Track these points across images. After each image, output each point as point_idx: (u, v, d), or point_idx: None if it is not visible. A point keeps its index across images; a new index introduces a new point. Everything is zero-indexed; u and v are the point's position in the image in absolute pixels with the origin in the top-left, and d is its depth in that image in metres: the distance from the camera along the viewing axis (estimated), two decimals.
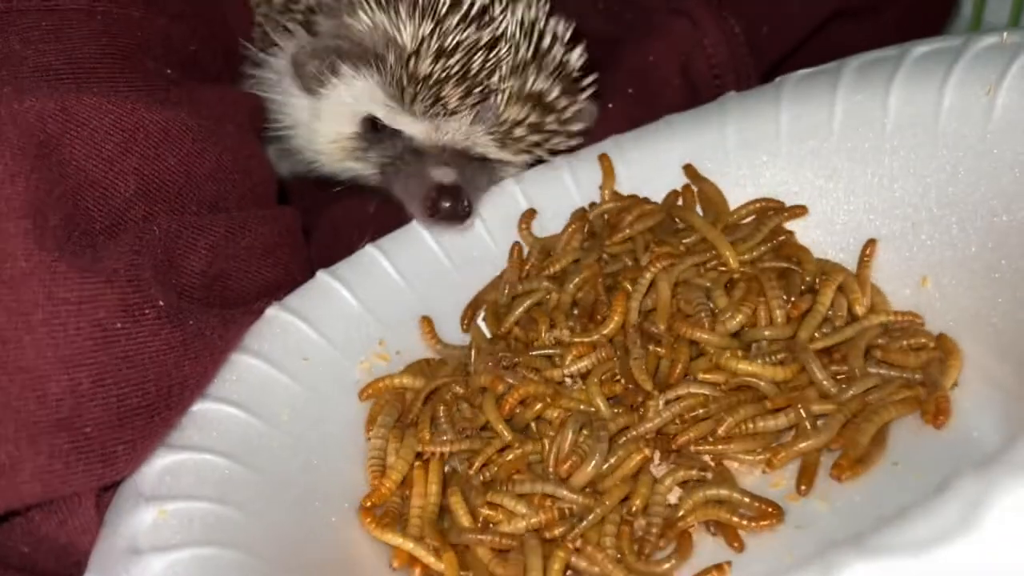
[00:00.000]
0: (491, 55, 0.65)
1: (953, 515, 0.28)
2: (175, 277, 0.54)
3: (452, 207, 0.65)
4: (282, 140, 0.76)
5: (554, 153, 0.73)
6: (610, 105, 0.78)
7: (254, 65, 0.75)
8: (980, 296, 0.57)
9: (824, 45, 0.83)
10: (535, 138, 0.70)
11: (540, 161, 0.73)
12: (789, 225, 0.65)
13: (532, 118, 0.68)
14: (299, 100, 0.72)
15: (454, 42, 0.64)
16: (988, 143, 0.57)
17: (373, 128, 0.69)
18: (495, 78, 0.66)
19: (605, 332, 0.59)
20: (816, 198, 0.65)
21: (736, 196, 0.68)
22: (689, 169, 0.68)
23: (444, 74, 0.64)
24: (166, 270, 0.52)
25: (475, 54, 0.65)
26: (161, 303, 0.49)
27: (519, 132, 0.68)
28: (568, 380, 0.60)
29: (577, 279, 0.63)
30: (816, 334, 0.59)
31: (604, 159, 0.70)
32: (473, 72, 0.65)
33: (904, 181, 0.62)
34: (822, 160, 0.65)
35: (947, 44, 0.61)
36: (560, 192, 0.72)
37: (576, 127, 0.73)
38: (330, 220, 0.78)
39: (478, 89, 0.65)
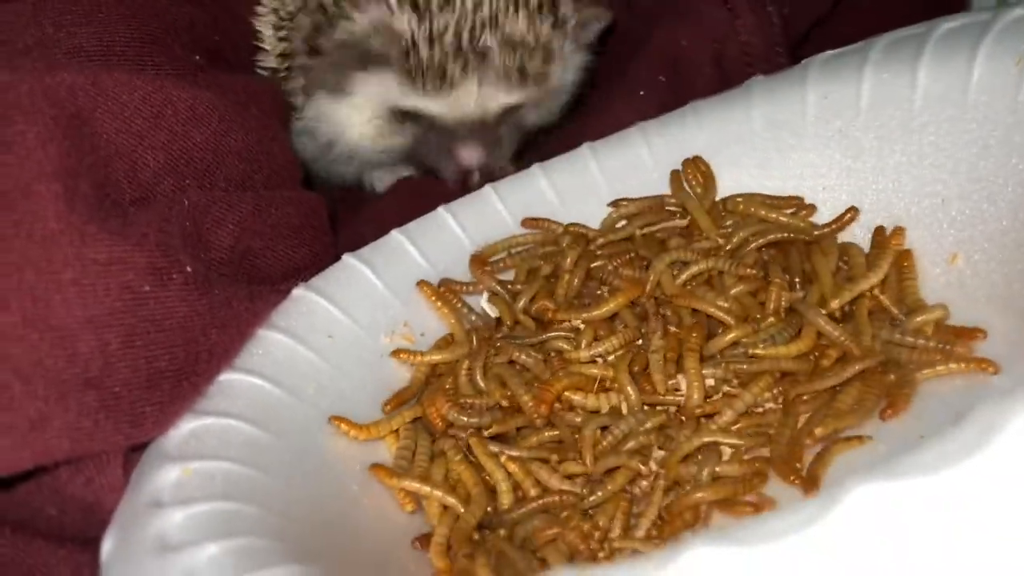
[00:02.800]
0: (476, 17, 0.69)
1: (968, 439, 0.27)
2: (204, 251, 0.55)
3: (479, 184, 0.70)
4: (309, 136, 0.81)
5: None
6: (642, 92, 0.78)
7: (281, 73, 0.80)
8: (1012, 271, 0.56)
9: (844, 24, 0.83)
10: (550, 66, 0.73)
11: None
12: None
13: (537, 48, 0.72)
14: (327, 100, 0.78)
15: (443, 23, 0.68)
16: (1019, 115, 0.56)
17: (395, 113, 0.75)
18: (486, 37, 0.70)
19: (607, 308, 0.58)
20: (843, 178, 0.65)
21: (761, 180, 0.68)
22: (674, 177, 0.68)
23: (442, 53, 0.68)
24: (195, 241, 0.53)
25: (463, 23, 0.68)
26: (189, 269, 0.50)
27: (532, 66, 0.70)
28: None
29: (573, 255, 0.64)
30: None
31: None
32: (466, 40, 0.68)
33: (934, 158, 0.61)
34: (849, 140, 0.64)
35: (975, 19, 0.61)
36: (586, 180, 0.72)
37: (589, 32, 0.76)
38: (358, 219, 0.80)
39: (475, 54, 0.69)
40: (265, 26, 0.78)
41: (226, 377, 0.54)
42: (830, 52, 0.68)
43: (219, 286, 0.53)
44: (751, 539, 0.28)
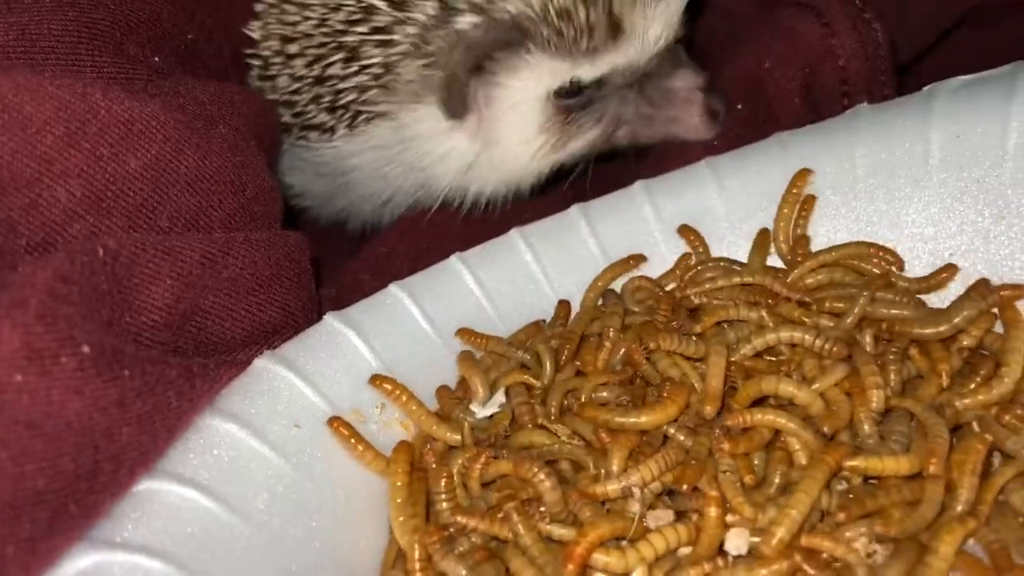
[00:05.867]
0: None
1: None
2: (128, 314, 0.41)
3: (720, 100, 0.61)
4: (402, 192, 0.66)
5: None
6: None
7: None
8: None
9: (949, 55, 0.67)
10: None
11: None
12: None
13: None
14: (455, 137, 0.61)
15: None
16: None
17: (567, 99, 0.59)
18: None
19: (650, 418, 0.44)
20: (980, 243, 0.50)
21: (865, 239, 0.53)
22: (686, 232, 0.55)
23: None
24: (110, 305, 0.40)
25: None
26: (86, 349, 0.36)
27: None
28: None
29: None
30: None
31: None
32: None
33: None
34: (990, 193, 0.49)
35: None
36: (637, 227, 0.57)
37: None
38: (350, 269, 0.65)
39: None
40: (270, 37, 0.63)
41: (144, 488, 0.40)
42: (964, 77, 0.52)
43: (139, 366, 0.39)
44: None
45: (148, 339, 0.42)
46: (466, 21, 0.55)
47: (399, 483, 0.44)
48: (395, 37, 0.57)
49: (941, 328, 0.46)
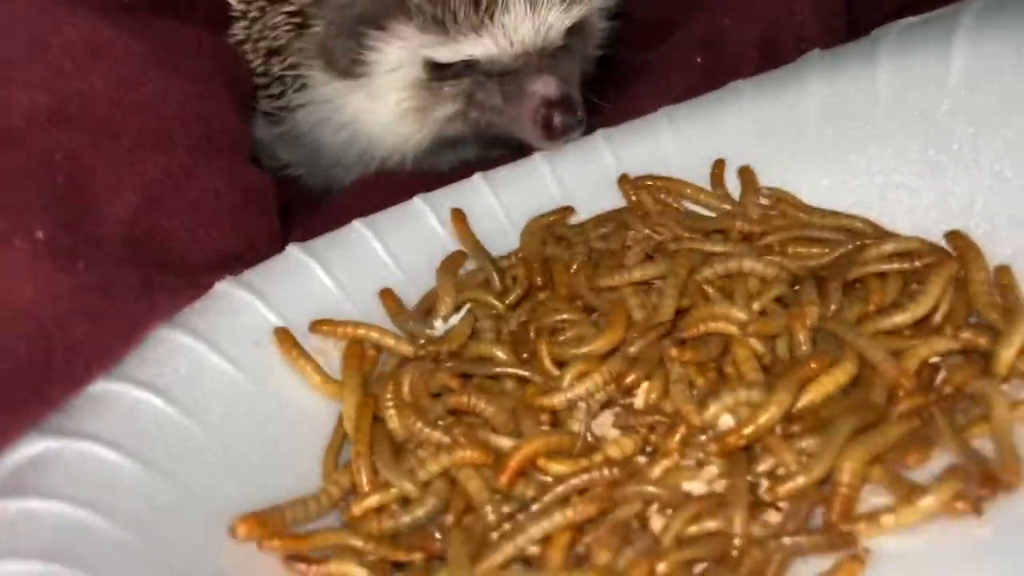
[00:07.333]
0: None
1: None
2: (88, 223, 0.42)
3: (567, 120, 0.59)
4: (346, 154, 0.70)
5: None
6: (671, 75, 0.65)
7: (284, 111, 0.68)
8: None
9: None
10: None
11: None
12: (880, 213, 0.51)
13: None
14: (348, 94, 0.65)
15: None
16: None
17: (437, 71, 0.62)
18: None
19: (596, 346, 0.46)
20: (925, 175, 0.51)
21: (816, 177, 0.55)
22: (624, 181, 0.56)
23: None
24: (68, 207, 0.40)
25: None
26: (40, 235, 0.37)
27: None
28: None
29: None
30: None
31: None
32: None
33: None
34: (934, 126, 0.51)
35: None
36: (598, 172, 0.58)
37: None
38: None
39: None
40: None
41: (100, 388, 0.41)
42: (909, 19, 0.54)
43: (96, 262, 0.39)
44: None
45: (104, 250, 0.43)
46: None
47: (350, 372, 0.45)
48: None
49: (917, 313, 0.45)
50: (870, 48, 0.54)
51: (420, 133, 0.67)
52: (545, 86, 0.60)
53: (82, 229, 0.41)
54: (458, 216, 0.55)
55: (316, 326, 0.49)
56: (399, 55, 0.62)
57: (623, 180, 0.56)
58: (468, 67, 0.62)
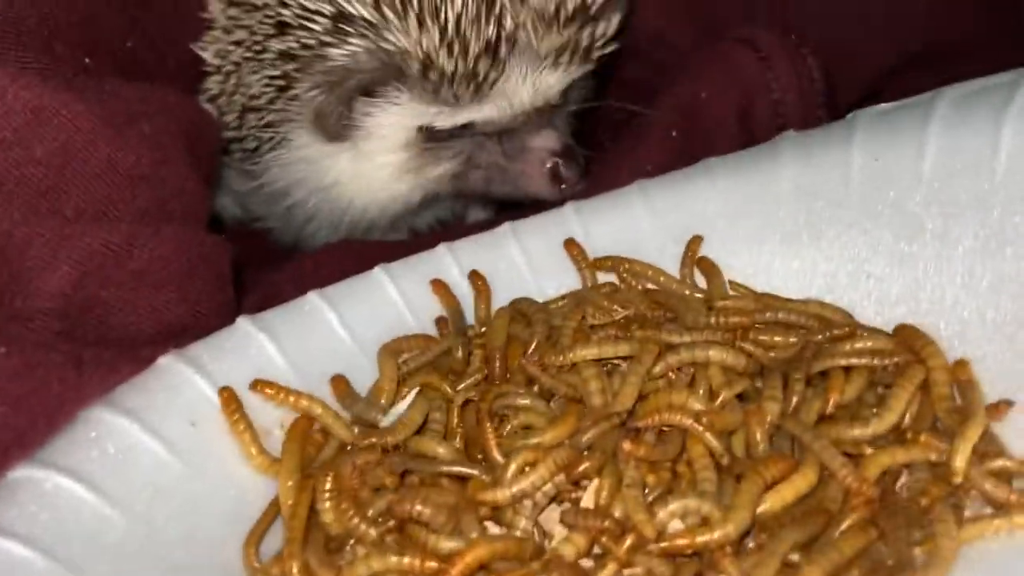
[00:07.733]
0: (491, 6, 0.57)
1: None
2: (19, 298, 0.41)
3: (574, 169, 0.62)
4: (322, 212, 0.70)
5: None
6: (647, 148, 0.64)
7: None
8: None
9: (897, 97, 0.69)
10: (584, 42, 0.61)
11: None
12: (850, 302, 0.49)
13: (569, 25, 0.59)
14: (333, 156, 0.65)
15: (454, 17, 0.56)
16: None
17: (432, 133, 0.63)
18: (508, 21, 0.58)
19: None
20: (895, 265, 0.49)
21: (787, 261, 0.53)
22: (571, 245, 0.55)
23: (466, 52, 0.57)
24: (2, 288, 0.39)
25: (479, 18, 0.57)
26: None
27: (565, 34, 0.59)
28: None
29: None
30: None
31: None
32: (490, 35, 0.57)
33: (1020, 245, 0.45)
34: (906, 216, 0.49)
35: None
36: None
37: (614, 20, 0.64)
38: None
39: (503, 43, 0.58)
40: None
41: (20, 475, 0.39)
42: (884, 105, 0.53)
43: (20, 346, 0.38)
44: None
45: (41, 325, 0.42)
46: (352, 46, 0.58)
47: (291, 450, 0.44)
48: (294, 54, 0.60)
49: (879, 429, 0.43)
50: (846, 132, 0.52)
51: (412, 192, 0.67)
52: (547, 140, 0.62)
53: (10, 307, 0.39)
54: (439, 285, 0.53)
55: (259, 386, 0.47)
56: (393, 121, 0.62)
57: (569, 244, 0.55)
58: (465, 128, 0.62)
